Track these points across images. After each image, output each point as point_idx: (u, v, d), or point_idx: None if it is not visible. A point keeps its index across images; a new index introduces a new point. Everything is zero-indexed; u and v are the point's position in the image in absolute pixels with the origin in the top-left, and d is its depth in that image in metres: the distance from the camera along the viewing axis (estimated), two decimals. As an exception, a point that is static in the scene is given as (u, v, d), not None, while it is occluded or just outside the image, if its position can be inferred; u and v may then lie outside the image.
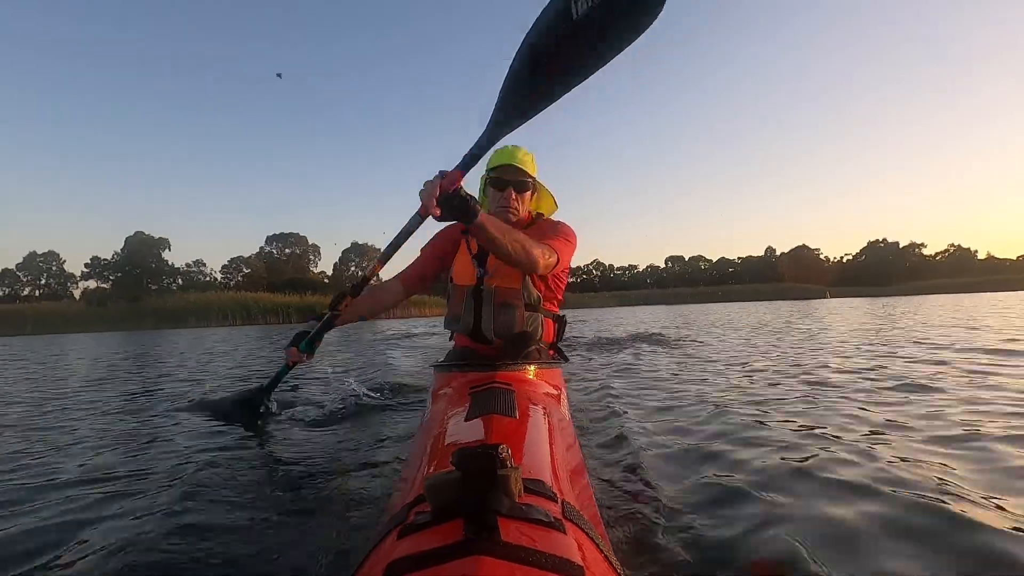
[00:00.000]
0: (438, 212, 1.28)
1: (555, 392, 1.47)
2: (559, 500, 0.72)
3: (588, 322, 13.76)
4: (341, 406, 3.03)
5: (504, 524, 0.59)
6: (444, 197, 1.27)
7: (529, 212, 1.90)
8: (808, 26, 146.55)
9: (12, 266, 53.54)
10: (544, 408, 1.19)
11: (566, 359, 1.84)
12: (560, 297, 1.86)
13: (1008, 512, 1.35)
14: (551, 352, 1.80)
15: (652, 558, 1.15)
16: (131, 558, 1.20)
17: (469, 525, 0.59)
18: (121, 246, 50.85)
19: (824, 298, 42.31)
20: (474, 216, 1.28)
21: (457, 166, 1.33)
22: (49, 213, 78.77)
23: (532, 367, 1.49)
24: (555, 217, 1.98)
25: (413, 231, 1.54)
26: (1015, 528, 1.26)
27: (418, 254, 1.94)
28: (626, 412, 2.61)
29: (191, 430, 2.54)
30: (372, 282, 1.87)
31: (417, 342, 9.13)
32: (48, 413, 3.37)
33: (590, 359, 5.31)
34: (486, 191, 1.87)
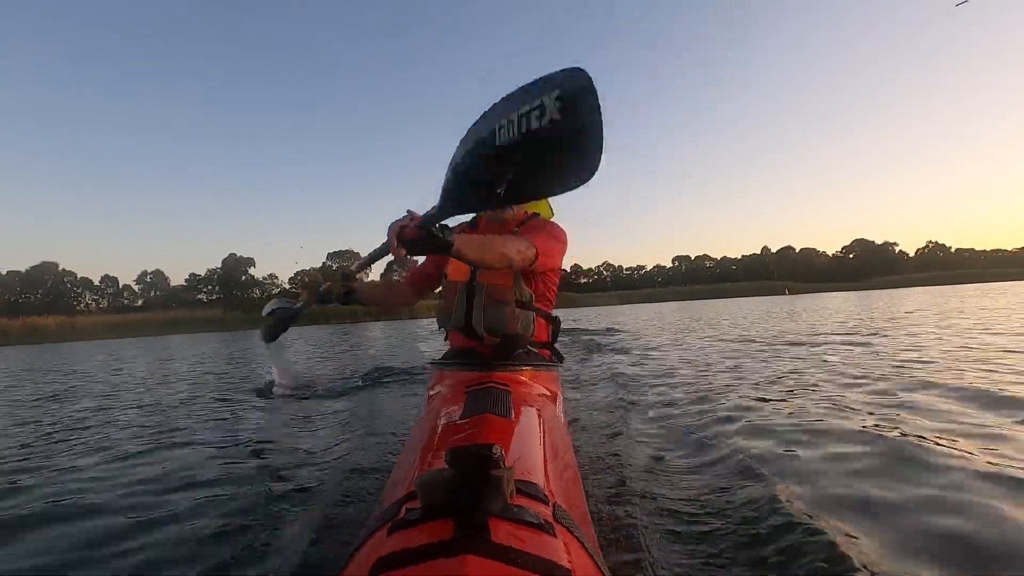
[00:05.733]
0: (402, 253, 1.10)
1: (550, 394, 1.34)
2: (550, 503, 0.64)
3: (579, 320, 13.34)
4: (339, 400, 2.79)
5: (494, 524, 0.52)
6: (404, 241, 1.08)
7: (524, 210, 1.66)
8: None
9: (129, 282, 56.94)
10: (539, 410, 1.07)
11: (561, 359, 1.67)
12: (552, 297, 1.66)
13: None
14: (546, 352, 1.63)
15: (641, 563, 1.02)
16: (118, 555, 1.08)
17: (459, 524, 0.52)
18: (217, 265, 53.77)
19: (784, 295, 41.08)
20: (448, 248, 1.10)
21: (421, 220, 1.12)
22: (153, 237, 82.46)
23: (528, 368, 1.36)
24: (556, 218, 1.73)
25: (378, 259, 1.41)
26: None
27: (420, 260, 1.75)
28: (621, 413, 2.40)
29: (197, 421, 2.36)
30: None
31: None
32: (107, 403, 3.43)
33: (587, 358, 5.02)
34: None
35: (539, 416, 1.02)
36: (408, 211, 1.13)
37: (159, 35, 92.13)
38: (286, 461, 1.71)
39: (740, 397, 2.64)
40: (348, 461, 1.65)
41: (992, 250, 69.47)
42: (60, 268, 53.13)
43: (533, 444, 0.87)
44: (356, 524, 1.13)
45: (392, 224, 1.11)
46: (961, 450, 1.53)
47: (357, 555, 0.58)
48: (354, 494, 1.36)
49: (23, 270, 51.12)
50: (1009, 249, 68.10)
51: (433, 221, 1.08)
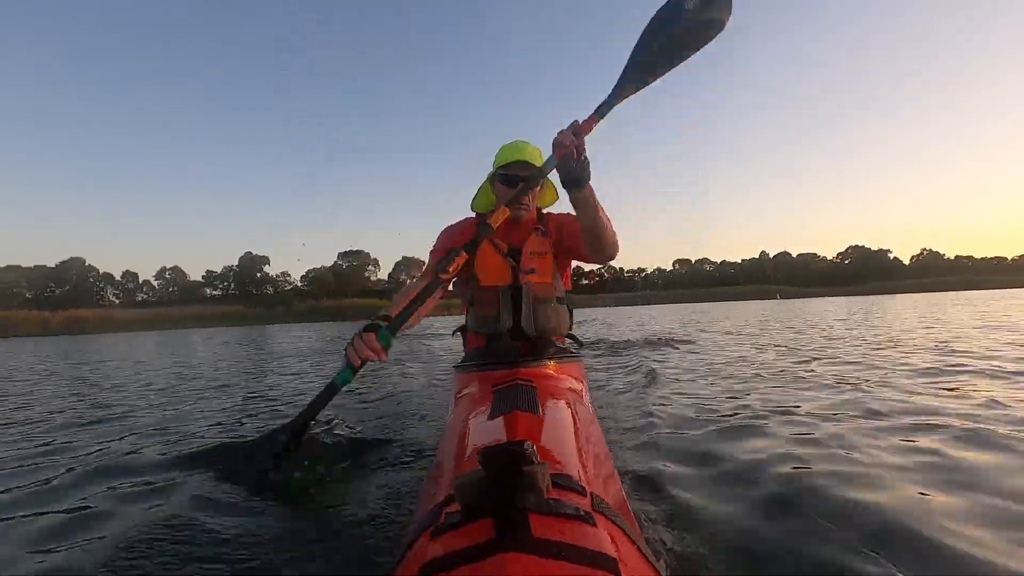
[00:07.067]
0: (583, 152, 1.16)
1: (577, 386, 1.30)
2: (588, 493, 0.62)
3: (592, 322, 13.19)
4: (367, 412, 2.60)
5: (534, 520, 0.50)
6: (570, 158, 1.15)
7: (534, 209, 1.59)
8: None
9: (148, 277, 57.66)
10: (567, 402, 1.04)
11: (580, 343, 1.61)
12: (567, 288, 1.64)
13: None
14: (564, 340, 1.57)
15: (684, 548, 0.97)
16: (163, 558, 1.02)
17: (499, 523, 0.49)
18: (233, 262, 54.73)
19: (775, 299, 41.18)
20: (587, 181, 1.20)
21: (592, 113, 1.24)
22: (172, 235, 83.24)
23: (552, 362, 1.31)
24: (555, 209, 1.66)
25: (548, 172, 1.28)
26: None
27: (427, 258, 1.58)
28: (650, 403, 2.32)
29: (234, 424, 2.27)
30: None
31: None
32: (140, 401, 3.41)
33: (607, 355, 4.88)
34: (494, 188, 1.56)
35: (568, 408, 0.99)
36: (574, 120, 1.19)
37: (159, 35, 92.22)
38: (317, 471, 1.52)
39: (766, 390, 2.59)
40: (382, 469, 1.56)
41: (991, 257, 68.63)
42: (85, 263, 53.92)
43: (565, 437, 0.85)
44: (397, 531, 1.09)
45: (564, 133, 1.16)
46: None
47: (402, 563, 0.56)
48: (391, 502, 1.28)
49: (51, 265, 52.03)
50: (1008, 257, 67.22)
51: (611, 101, 1.26)
